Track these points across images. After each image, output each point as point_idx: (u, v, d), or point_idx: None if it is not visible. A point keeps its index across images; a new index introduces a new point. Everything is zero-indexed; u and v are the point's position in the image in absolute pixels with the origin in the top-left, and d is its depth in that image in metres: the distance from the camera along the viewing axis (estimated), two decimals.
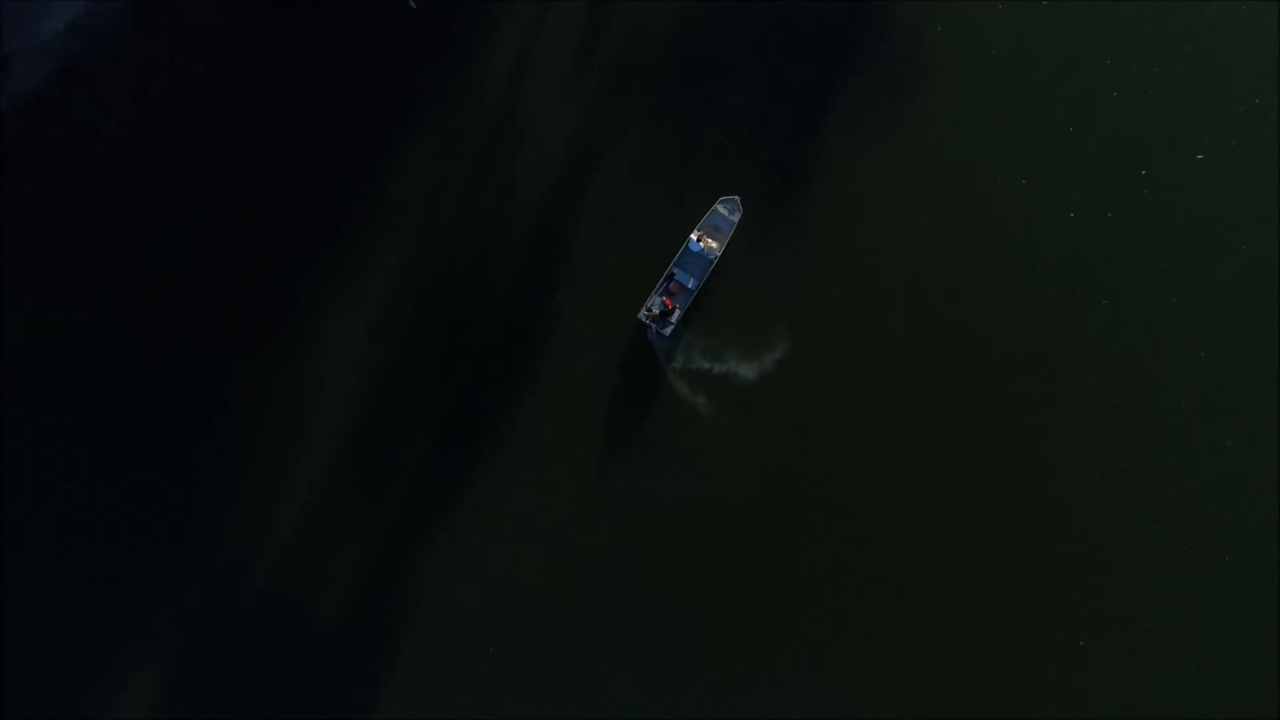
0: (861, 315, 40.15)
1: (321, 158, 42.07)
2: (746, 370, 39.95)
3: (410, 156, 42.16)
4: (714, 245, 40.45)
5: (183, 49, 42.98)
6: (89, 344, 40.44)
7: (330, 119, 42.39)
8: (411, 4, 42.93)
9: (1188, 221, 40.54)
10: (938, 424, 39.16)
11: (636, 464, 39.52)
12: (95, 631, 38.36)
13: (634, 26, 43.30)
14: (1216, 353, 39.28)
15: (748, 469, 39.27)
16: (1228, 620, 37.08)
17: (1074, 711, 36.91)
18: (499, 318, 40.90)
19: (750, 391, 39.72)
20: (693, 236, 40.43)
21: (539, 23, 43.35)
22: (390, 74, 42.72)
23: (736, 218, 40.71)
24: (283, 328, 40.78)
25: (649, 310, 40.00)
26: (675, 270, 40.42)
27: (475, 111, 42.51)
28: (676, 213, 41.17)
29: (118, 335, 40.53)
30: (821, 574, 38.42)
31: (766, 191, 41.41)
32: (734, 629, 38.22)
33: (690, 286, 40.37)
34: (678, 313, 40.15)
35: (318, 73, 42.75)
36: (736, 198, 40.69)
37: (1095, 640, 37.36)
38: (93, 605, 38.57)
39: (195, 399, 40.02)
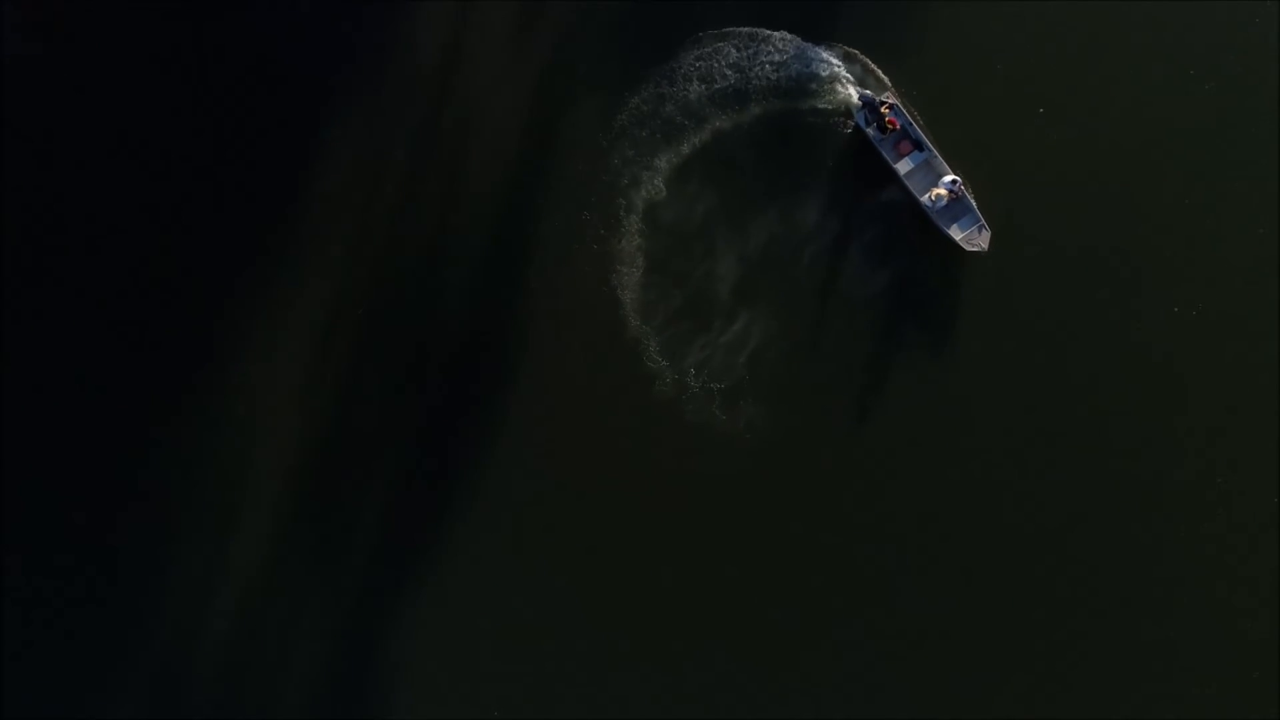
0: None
1: (236, 165, 38.13)
2: None
3: (339, 154, 38.14)
4: (941, 195, 36.20)
5: (67, 45, 38.78)
6: None
7: (243, 119, 38.32)
8: None
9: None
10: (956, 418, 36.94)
11: (636, 467, 36.72)
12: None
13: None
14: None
15: (767, 471, 36.76)
16: (1228, 620, 35.85)
17: (1073, 711, 35.72)
18: (460, 324, 37.56)
19: (764, 387, 37.09)
20: (953, 178, 36.37)
21: None
22: (304, 66, 38.51)
23: (970, 241, 36.09)
24: (208, 361, 37.21)
25: (886, 101, 36.79)
26: (923, 145, 36.84)
27: (406, 97, 38.50)
28: (639, 190, 37.82)
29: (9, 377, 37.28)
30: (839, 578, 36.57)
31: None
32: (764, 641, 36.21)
33: (900, 160, 36.84)
34: (885, 137, 36.86)
35: (223, 70, 38.55)
36: (984, 249, 36.24)
37: (1094, 640, 36.02)
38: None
39: (119, 455, 36.82)
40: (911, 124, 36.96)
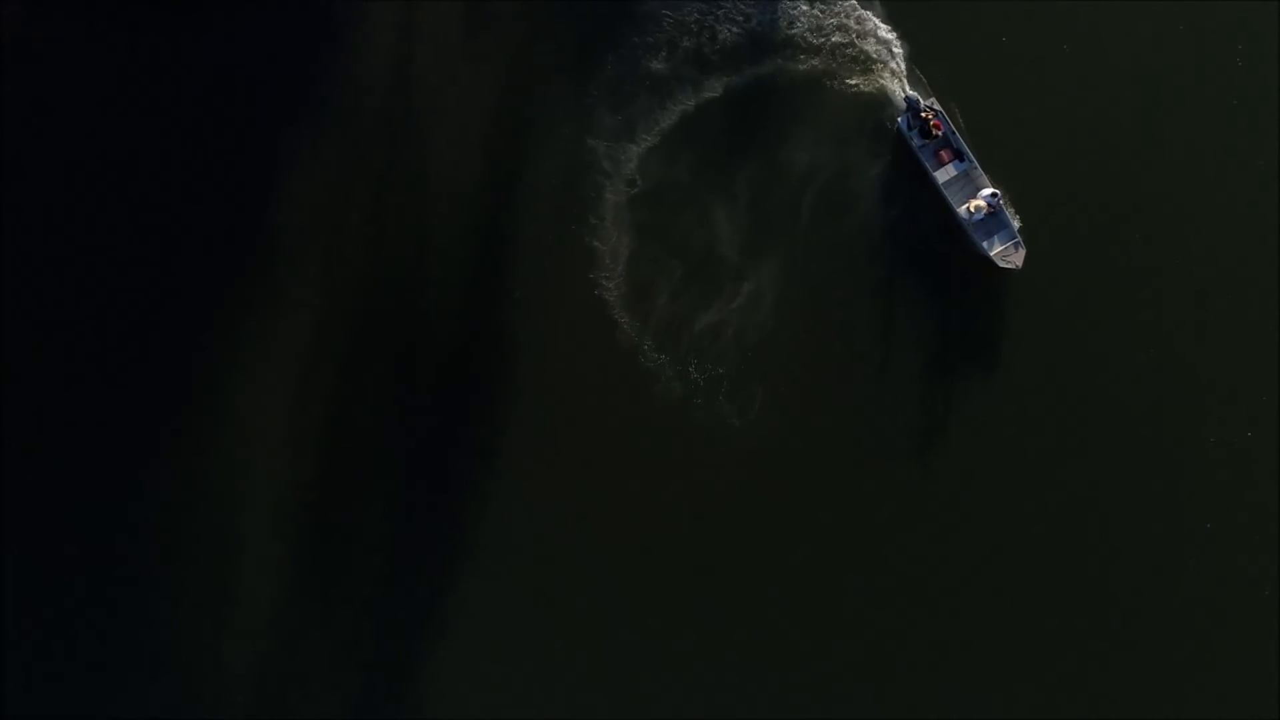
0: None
1: (199, 184, 37.43)
2: None
3: (306, 170, 37.41)
4: (980, 208, 35.25)
5: (53, 65, 38.15)
6: None
7: (201, 137, 37.64)
8: None
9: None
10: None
11: (644, 469, 36.27)
12: None
13: None
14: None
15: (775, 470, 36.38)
16: (1228, 620, 35.99)
17: (1073, 712, 35.73)
18: (449, 331, 37.00)
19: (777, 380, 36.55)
20: (993, 191, 35.40)
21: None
22: (260, 82, 37.84)
23: (1005, 258, 35.28)
24: (186, 400, 36.59)
25: (931, 107, 35.66)
26: (965, 155, 35.80)
27: (369, 107, 37.80)
28: (617, 181, 37.08)
29: None
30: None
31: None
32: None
33: (940, 169, 35.74)
34: (926, 143, 35.77)
35: (177, 87, 37.82)
36: (1018, 267, 35.45)
37: (1095, 640, 36.07)
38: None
39: (101, 509, 36.31)
40: (954, 132, 35.77)
